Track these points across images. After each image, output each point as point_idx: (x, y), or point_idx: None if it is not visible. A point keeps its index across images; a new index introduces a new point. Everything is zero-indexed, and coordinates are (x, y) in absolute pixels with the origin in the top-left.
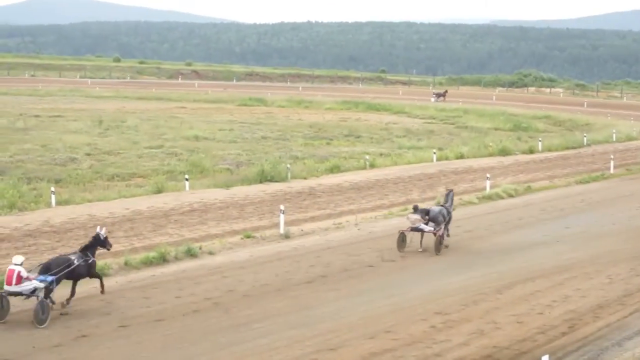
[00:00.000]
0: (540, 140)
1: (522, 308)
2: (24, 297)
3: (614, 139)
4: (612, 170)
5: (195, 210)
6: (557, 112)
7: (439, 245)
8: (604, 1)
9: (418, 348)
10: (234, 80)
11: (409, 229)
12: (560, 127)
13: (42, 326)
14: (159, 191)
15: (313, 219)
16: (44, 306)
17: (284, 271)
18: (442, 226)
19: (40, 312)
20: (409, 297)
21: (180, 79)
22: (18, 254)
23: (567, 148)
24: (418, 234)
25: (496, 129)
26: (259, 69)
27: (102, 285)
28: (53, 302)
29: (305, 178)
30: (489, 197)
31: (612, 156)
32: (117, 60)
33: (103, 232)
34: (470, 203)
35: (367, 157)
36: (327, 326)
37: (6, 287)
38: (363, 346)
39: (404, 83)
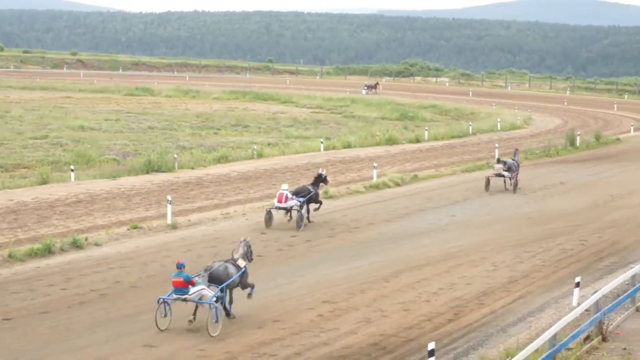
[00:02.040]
0: (426, 130)
1: (408, 296)
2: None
3: (499, 128)
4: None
5: (81, 201)
6: (443, 101)
7: (515, 187)
8: None
9: (306, 337)
10: (120, 70)
11: (494, 175)
12: (446, 116)
13: (300, 230)
14: (44, 182)
15: (200, 209)
16: (302, 216)
17: (172, 262)
18: (516, 173)
19: (299, 219)
20: (297, 286)
21: (65, 68)
22: None
23: (453, 137)
24: (500, 179)
25: (383, 119)
26: (145, 59)
27: None
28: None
29: (192, 168)
30: (376, 186)
31: (497, 145)
32: (0, 49)
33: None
34: (357, 192)
35: (255, 146)
36: None
37: (276, 204)
38: (251, 336)
39: (291, 72)
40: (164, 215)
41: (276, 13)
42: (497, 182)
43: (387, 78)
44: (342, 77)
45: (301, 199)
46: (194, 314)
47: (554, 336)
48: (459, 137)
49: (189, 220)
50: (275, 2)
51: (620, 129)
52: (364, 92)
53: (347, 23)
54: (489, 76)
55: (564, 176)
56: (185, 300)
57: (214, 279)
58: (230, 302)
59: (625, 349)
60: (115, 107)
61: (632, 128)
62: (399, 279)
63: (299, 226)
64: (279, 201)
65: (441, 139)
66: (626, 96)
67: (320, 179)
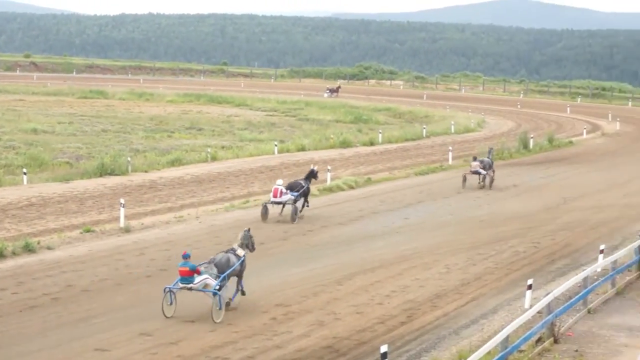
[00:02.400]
0: (380, 132)
1: (361, 298)
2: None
3: (453, 131)
4: (450, 162)
5: (33, 204)
6: (397, 104)
7: (491, 183)
8: None
9: (259, 340)
10: (74, 73)
11: (470, 172)
12: (400, 119)
13: (295, 222)
14: None
15: (154, 212)
16: (296, 210)
17: (124, 265)
18: (492, 170)
19: (293, 213)
20: (250, 289)
21: (18, 71)
22: None
23: (407, 140)
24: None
25: (337, 121)
26: (99, 61)
27: None
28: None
29: (146, 171)
30: (330, 189)
31: (450, 148)
32: None
33: None
34: (311, 195)
35: (209, 149)
36: (167, 320)
37: (272, 199)
38: (204, 339)
39: (245, 75)
40: (117, 219)
41: (230, 16)
42: (464, 181)
43: (342, 81)
44: (297, 80)
45: (295, 194)
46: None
47: (506, 338)
48: (413, 140)
49: (142, 224)
50: (229, 5)
51: (573, 131)
52: (326, 95)
53: (301, 26)
54: (443, 79)
55: (517, 179)
56: (190, 289)
57: (217, 269)
58: (238, 289)
59: (577, 350)
60: (68, 110)
61: (584, 131)
62: (353, 282)
63: (293, 219)
64: (274, 196)
65: (395, 141)
66: (579, 99)
67: (312, 174)
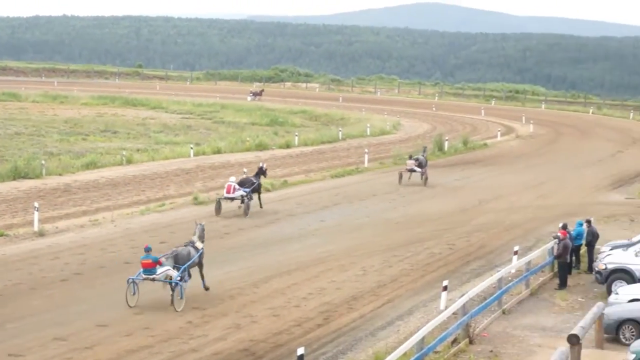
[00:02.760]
0: (296, 135)
1: (278, 301)
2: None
3: (368, 133)
4: (366, 164)
5: None
6: (313, 107)
7: (426, 180)
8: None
9: (175, 344)
10: None
11: (406, 170)
12: (316, 121)
13: (247, 216)
14: None
15: (68, 215)
16: (248, 205)
17: (39, 269)
18: (426, 168)
19: (246, 208)
20: (166, 293)
21: None
22: None
23: (323, 142)
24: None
25: (253, 124)
26: (12, 64)
27: None
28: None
29: (60, 174)
30: None
31: (366, 150)
32: None
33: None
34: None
35: (124, 152)
36: (82, 324)
37: (225, 195)
38: (119, 343)
39: (161, 78)
40: (31, 223)
41: (145, 18)
42: (400, 178)
43: (258, 84)
44: (213, 83)
45: (247, 190)
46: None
47: (422, 339)
48: (329, 142)
49: (57, 228)
50: (144, 7)
51: (488, 134)
52: (249, 98)
53: (217, 28)
54: (358, 82)
55: (433, 181)
56: (153, 279)
57: (178, 261)
58: (202, 277)
59: (491, 351)
60: None
61: (499, 133)
62: (269, 285)
63: (246, 213)
64: (227, 192)
65: (311, 144)
66: (493, 102)
67: (261, 171)
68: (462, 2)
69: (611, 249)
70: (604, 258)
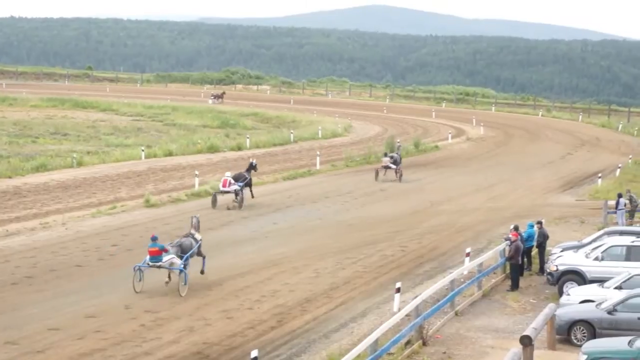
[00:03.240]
0: (248, 137)
1: (231, 304)
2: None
3: (320, 136)
4: (318, 166)
5: None
6: (265, 109)
7: (400, 177)
8: (309, 1)
9: (128, 347)
10: None
11: (382, 167)
12: (267, 124)
13: (241, 208)
14: None
15: (19, 219)
16: (242, 199)
17: None
18: (400, 165)
19: (241, 200)
20: (118, 295)
21: None
22: None
23: (275, 145)
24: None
25: (204, 126)
26: None
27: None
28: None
29: (10, 177)
30: (198, 194)
31: (318, 152)
32: None
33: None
34: (179, 200)
35: (75, 155)
36: (34, 328)
37: (221, 188)
38: (71, 347)
39: (111, 80)
40: None
41: (95, 19)
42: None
43: (209, 86)
44: (163, 85)
45: (241, 184)
46: (169, 277)
47: (376, 341)
48: (281, 144)
49: (7, 231)
50: (93, 9)
51: (439, 136)
52: (210, 101)
53: (167, 30)
54: (310, 84)
55: (384, 183)
56: (159, 267)
57: (184, 250)
58: (203, 264)
59: (445, 352)
60: None
61: (450, 135)
62: (222, 287)
63: (240, 206)
64: (224, 186)
65: (263, 146)
66: (444, 104)
67: (251, 167)
68: (412, 5)
69: (562, 251)
70: (555, 260)
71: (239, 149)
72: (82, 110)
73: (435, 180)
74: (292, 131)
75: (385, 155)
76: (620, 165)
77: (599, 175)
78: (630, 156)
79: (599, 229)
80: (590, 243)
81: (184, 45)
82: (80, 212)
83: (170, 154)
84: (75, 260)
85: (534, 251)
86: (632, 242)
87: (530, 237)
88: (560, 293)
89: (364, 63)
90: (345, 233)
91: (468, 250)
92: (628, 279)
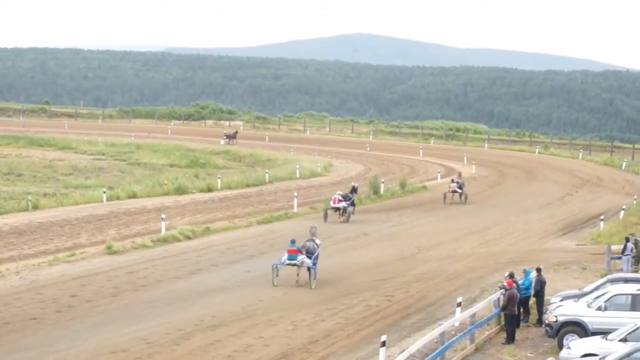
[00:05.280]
0: (219, 177)
1: None
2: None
3: (297, 176)
4: (295, 209)
5: None
6: (237, 146)
7: (465, 199)
8: (285, 29)
9: None
10: None
11: (450, 192)
12: (240, 162)
13: (347, 222)
14: None
15: None
16: (350, 214)
17: None
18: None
19: (348, 216)
20: (77, 350)
21: None
22: None
23: (248, 185)
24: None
25: (172, 166)
26: None
27: None
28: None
29: None
30: (165, 240)
31: (295, 194)
32: None
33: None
34: (144, 246)
35: (30, 197)
36: None
37: (332, 205)
38: None
39: (70, 115)
40: None
41: (52, 50)
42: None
43: (176, 122)
44: (127, 121)
45: (348, 202)
46: (297, 274)
47: None
48: (255, 185)
49: None
50: (51, 38)
51: (427, 175)
52: (222, 142)
53: (131, 61)
54: (286, 119)
55: (368, 227)
56: (295, 265)
57: (308, 252)
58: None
59: None
60: None
61: (439, 175)
62: (191, 342)
63: (347, 220)
64: (334, 203)
65: (235, 187)
66: (432, 141)
67: (354, 190)
68: (397, 33)
69: (562, 300)
70: (554, 310)
71: (209, 190)
72: (38, 149)
73: (423, 224)
74: (267, 171)
75: (453, 181)
76: (624, 206)
77: (601, 217)
78: (635, 197)
79: (602, 276)
80: (592, 291)
81: (149, 77)
82: (36, 259)
83: (134, 196)
84: (31, 312)
85: (531, 300)
86: (638, 290)
87: (527, 285)
88: (560, 346)
89: (345, 96)
90: (324, 281)
91: (459, 299)
92: (634, 330)
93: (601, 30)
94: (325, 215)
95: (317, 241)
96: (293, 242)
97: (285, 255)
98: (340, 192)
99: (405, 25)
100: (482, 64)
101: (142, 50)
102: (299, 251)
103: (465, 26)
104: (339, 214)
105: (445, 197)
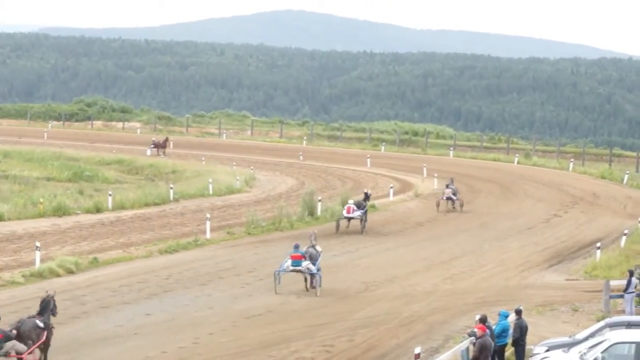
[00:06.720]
0: (110, 195)
1: None
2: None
3: (211, 192)
4: (208, 235)
5: None
6: (134, 155)
7: (461, 206)
8: (194, 4)
9: None
10: None
11: (444, 199)
12: (137, 175)
13: (362, 233)
14: None
15: None
16: (365, 224)
17: None
18: (366, 213)
19: (363, 226)
20: None
21: None
22: None
23: (148, 205)
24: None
25: (49, 179)
26: None
27: None
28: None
29: None
30: (40, 275)
31: (208, 215)
32: None
33: None
34: (14, 283)
35: None
36: None
37: (345, 214)
38: None
39: None
40: None
41: None
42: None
43: (55, 123)
44: None
45: (361, 211)
46: (305, 280)
47: None
48: (157, 204)
49: None
50: None
51: (376, 192)
52: (149, 152)
53: None
54: (196, 120)
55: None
56: (299, 271)
57: (312, 258)
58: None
59: None
60: None
61: (391, 191)
62: None
63: (362, 232)
64: (347, 212)
65: (131, 207)
66: (383, 148)
67: (367, 197)
68: (338, 11)
69: (547, 350)
70: None
71: (98, 210)
72: None
73: (372, 253)
74: (171, 186)
75: (447, 186)
76: (626, 231)
77: (598, 245)
78: None
79: (599, 320)
80: (586, 339)
81: (19, 66)
82: None
83: (0, 219)
84: None
85: (509, 350)
86: None
87: (503, 332)
88: None
89: (271, 90)
90: (246, 327)
91: (418, 350)
92: None
93: (596, 8)
94: (338, 226)
95: (318, 248)
96: (297, 247)
97: (289, 261)
98: (353, 200)
99: (348, 1)
100: (446, 50)
101: (10, 32)
102: (303, 257)
103: (425, 2)
104: (347, 224)
105: (438, 205)
